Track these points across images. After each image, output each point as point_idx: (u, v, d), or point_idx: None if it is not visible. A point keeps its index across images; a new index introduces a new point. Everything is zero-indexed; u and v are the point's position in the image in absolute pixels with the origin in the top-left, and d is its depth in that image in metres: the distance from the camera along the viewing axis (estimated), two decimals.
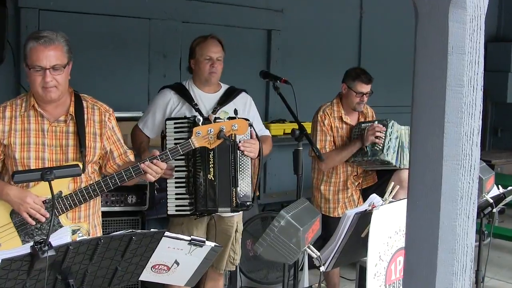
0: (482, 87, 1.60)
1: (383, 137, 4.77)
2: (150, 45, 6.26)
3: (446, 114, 1.57)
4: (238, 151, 3.87)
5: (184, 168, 3.92)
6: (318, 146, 4.85)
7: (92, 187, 3.24)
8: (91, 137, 3.36)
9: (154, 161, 3.30)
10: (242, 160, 3.89)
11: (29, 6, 5.44)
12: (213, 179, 3.85)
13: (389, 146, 4.79)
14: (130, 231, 2.54)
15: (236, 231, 4.28)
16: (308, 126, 5.60)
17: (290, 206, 2.70)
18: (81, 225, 3.28)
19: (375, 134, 4.75)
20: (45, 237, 2.29)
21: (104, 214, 4.66)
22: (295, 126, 3.94)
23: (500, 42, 9.92)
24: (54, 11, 5.58)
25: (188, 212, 3.93)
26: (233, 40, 6.79)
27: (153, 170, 3.30)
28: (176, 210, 3.95)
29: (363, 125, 4.93)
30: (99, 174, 3.50)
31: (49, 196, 3.16)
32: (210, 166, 3.84)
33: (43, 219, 3.17)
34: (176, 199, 3.94)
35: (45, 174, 2.61)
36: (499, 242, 7.22)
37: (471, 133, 1.60)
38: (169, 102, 4.13)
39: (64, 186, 3.20)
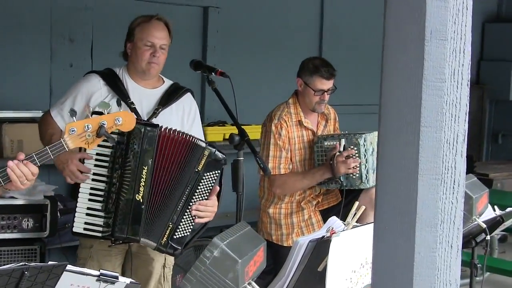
0: (469, 82, 1.60)
1: (358, 163, 4.81)
2: (52, 26, 6.17)
3: (423, 116, 1.56)
4: (197, 185, 3.85)
5: (104, 178, 3.84)
6: (270, 165, 4.84)
7: None
8: None
9: (24, 161, 3.16)
10: (197, 197, 3.86)
11: None
12: (141, 201, 3.79)
13: (367, 170, 4.82)
14: (22, 264, 2.48)
15: (164, 266, 4.20)
16: (253, 130, 5.64)
17: (226, 232, 2.66)
18: None
19: (347, 166, 4.78)
20: None
21: None
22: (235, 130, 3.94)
23: (501, 23, 9.67)
24: None
25: (99, 234, 3.86)
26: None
27: (21, 172, 3.14)
28: (85, 229, 3.85)
29: (325, 143, 4.91)
30: None
31: None
32: (141, 183, 3.79)
33: None
34: (87, 214, 3.85)
35: None
36: (498, 279, 7.01)
37: (454, 140, 1.60)
38: (95, 93, 4.02)
39: None
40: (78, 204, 3.86)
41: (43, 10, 6.12)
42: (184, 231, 3.88)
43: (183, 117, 4.14)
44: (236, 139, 3.82)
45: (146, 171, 3.78)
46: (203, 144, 3.85)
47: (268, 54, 7.57)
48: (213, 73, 4.11)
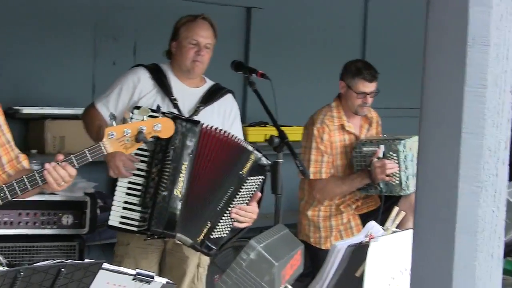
0: None
1: (398, 170, 4.76)
2: (97, 25, 6.23)
3: (464, 122, 1.53)
4: (240, 188, 3.85)
5: (143, 173, 3.85)
6: (312, 169, 4.82)
7: None
8: None
9: (63, 163, 3.16)
10: (238, 200, 3.86)
11: None
12: (179, 196, 3.79)
13: (407, 176, 4.77)
14: (59, 261, 2.49)
15: (199, 265, 4.20)
16: (294, 131, 5.61)
17: (263, 235, 2.64)
18: None
19: (384, 172, 4.74)
20: None
21: (32, 238, 4.72)
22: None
23: None
24: None
25: (135, 228, 3.86)
26: None
27: (58, 175, 3.13)
28: (121, 222, 3.86)
29: (364, 148, 4.87)
30: None
31: None
32: (180, 179, 3.79)
33: None
34: (124, 208, 3.86)
35: None
36: None
37: (496, 147, 1.57)
38: (139, 85, 4.06)
39: None
40: (115, 198, 3.88)
41: (87, 9, 6.17)
42: (222, 232, 3.87)
43: (224, 117, 4.15)
44: (275, 141, 3.81)
45: (185, 166, 3.79)
46: (250, 148, 3.87)
47: (311, 55, 7.52)
48: (253, 74, 4.09)
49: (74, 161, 3.18)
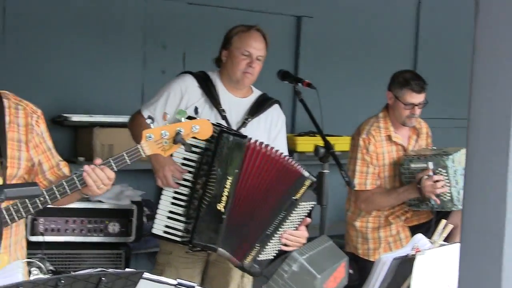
0: None
1: (448, 185, 4.67)
2: (146, 32, 6.24)
3: None
4: (291, 213, 3.80)
5: (189, 184, 3.82)
6: (357, 180, 4.76)
7: (15, 207, 3.08)
8: (14, 144, 3.23)
9: (101, 166, 3.12)
10: (288, 227, 3.81)
11: None
12: (222, 211, 3.74)
13: (458, 191, 4.68)
14: (99, 270, 2.46)
15: (243, 276, 4.15)
16: (344, 141, 5.55)
17: (306, 246, 2.61)
18: (0, 257, 3.13)
19: (435, 191, 4.66)
20: None
21: (79, 245, 4.74)
22: (331, 141, 3.89)
23: None
24: None
25: (178, 239, 3.83)
26: None
27: (97, 177, 3.09)
28: (164, 232, 3.84)
29: (412, 165, 4.75)
30: None
31: None
32: (224, 193, 3.73)
33: None
34: (169, 218, 3.83)
35: None
36: None
37: None
38: (186, 93, 4.03)
39: None
40: (159, 206, 3.85)
41: (137, 17, 6.20)
42: (269, 255, 3.82)
43: (270, 128, 4.12)
44: (321, 151, 3.75)
45: (230, 181, 3.73)
46: (306, 174, 3.80)
47: (361, 64, 7.46)
48: (299, 84, 4.04)
49: (113, 164, 3.15)
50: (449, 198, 4.69)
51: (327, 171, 3.71)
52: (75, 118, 5.68)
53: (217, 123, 3.80)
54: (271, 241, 3.80)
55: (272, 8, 6.91)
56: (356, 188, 4.71)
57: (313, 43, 7.18)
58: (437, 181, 4.65)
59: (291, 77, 4.13)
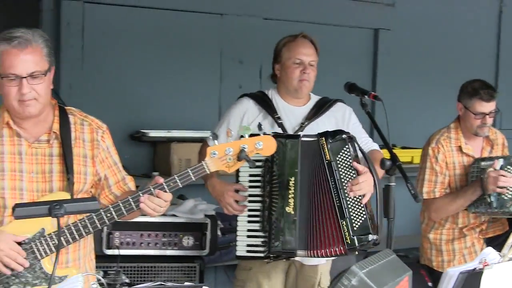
0: None
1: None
2: (223, 48, 6.27)
3: None
4: (337, 172, 3.73)
5: (259, 198, 3.80)
6: (425, 189, 4.66)
7: (83, 222, 3.08)
8: (80, 160, 3.24)
9: (156, 191, 3.12)
10: (345, 182, 3.72)
11: None
12: (292, 212, 3.72)
13: None
14: (159, 284, 2.45)
15: (319, 285, 4.10)
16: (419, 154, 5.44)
17: (367, 260, 2.52)
18: (69, 271, 3.12)
19: (497, 183, 4.51)
20: None
21: (154, 258, 4.74)
22: (408, 153, 3.79)
23: None
24: (102, 4, 5.70)
25: (262, 254, 3.81)
26: (330, 43, 6.68)
27: (154, 204, 3.10)
28: (248, 251, 3.83)
29: (482, 163, 4.65)
30: None
31: (29, 235, 3.06)
32: (290, 195, 3.72)
33: (21, 269, 3.07)
34: (248, 236, 3.82)
35: (54, 209, 2.55)
36: None
37: None
38: (246, 114, 4.03)
39: (46, 222, 3.02)
40: (238, 228, 3.86)
41: (214, 33, 6.23)
42: (360, 218, 3.72)
43: (337, 125, 4.02)
44: (387, 164, 3.65)
45: (293, 182, 3.72)
46: (314, 138, 3.74)
47: (441, 75, 7.33)
48: (366, 96, 3.96)
49: (178, 181, 3.13)
50: (510, 197, 4.53)
51: (394, 184, 3.62)
52: (153, 133, 5.74)
53: (273, 132, 3.77)
54: (348, 207, 3.71)
55: (349, 22, 6.88)
56: (424, 197, 4.62)
57: (390, 55, 7.10)
58: (502, 175, 4.51)
59: (358, 90, 4.03)
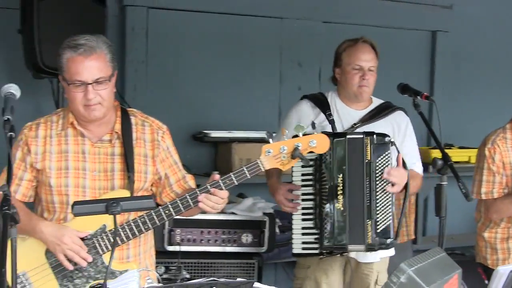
0: None
1: None
2: (282, 51, 6.25)
3: None
4: (373, 173, 3.72)
5: (311, 196, 3.82)
6: (483, 189, 4.56)
7: (142, 219, 3.13)
8: (141, 159, 3.28)
9: (212, 189, 3.15)
10: (380, 185, 3.72)
11: (136, 4, 5.63)
12: (342, 208, 3.71)
13: None
14: (211, 280, 2.46)
15: (376, 283, 4.06)
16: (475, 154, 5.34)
17: (416, 258, 2.49)
18: (129, 265, 3.17)
19: None
20: (100, 281, 2.24)
21: (214, 255, 4.77)
22: (465, 153, 3.72)
23: None
24: (165, 9, 5.75)
25: (317, 251, 3.82)
26: (387, 45, 6.59)
27: (212, 202, 3.14)
28: (303, 249, 3.84)
29: None
30: None
31: (91, 231, 3.11)
32: (339, 192, 3.72)
33: (84, 264, 3.12)
34: (303, 234, 3.84)
35: (111, 206, 2.57)
36: None
37: None
38: (303, 115, 4.01)
39: (108, 218, 3.05)
40: (293, 226, 3.88)
41: (274, 37, 6.22)
42: (385, 221, 3.72)
43: (393, 134, 3.97)
44: (439, 163, 3.61)
45: (341, 179, 3.72)
46: (360, 135, 3.73)
47: (498, 77, 7.19)
48: (418, 97, 3.89)
49: (234, 178, 3.18)
50: None
51: (445, 183, 3.56)
52: (215, 134, 5.76)
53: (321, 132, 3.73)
54: (376, 209, 3.71)
55: (407, 24, 6.79)
56: (483, 198, 4.52)
57: (448, 57, 6.98)
58: None
59: (411, 90, 3.98)
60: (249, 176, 3.20)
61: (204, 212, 3.27)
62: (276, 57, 6.22)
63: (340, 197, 3.71)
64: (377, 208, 3.71)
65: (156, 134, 3.33)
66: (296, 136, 3.22)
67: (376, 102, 4.10)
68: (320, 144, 3.24)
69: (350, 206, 3.71)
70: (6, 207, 2.35)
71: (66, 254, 3.08)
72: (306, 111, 4.02)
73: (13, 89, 2.80)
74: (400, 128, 4.05)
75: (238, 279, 2.50)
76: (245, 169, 3.19)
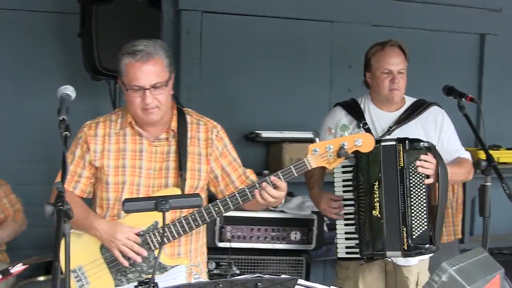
0: None
1: None
2: (333, 54, 6.23)
3: None
4: (407, 179, 3.65)
5: (352, 202, 3.79)
6: None
7: (193, 216, 3.16)
8: (194, 157, 3.29)
9: (271, 178, 3.16)
10: (414, 191, 3.66)
11: (191, 8, 5.67)
12: (379, 216, 3.67)
13: None
14: (256, 276, 2.46)
15: (417, 284, 3.99)
16: None
17: (458, 258, 2.44)
18: (180, 261, 3.19)
19: None
20: (149, 276, 2.25)
21: (263, 251, 4.77)
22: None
23: None
24: (218, 13, 5.79)
25: (358, 255, 3.79)
26: (436, 48, 6.56)
27: (269, 195, 3.15)
28: (347, 253, 3.83)
29: None
30: (206, 202, 3.37)
31: (144, 228, 3.15)
32: (375, 199, 3.67)
33: (139, 259, 3.14)
34: (346, 239, 3.82)
35: (160, 204, 2.59)
36: None
37: None
38: (337, 122, 3.96)
39: (159, 215, 3.08)
40: (337, 231, 3.87)
41: (325, 40, 6.20)
42: (420, 227, 3.65)
43: (429, 129, 3.93)
44: (482, 165, 3.54)
45: (377, 186, 3.67)
46: (393, 142, 3.66)
47: None
48: (463, 99, 3.82)
49: (281, 176, 3.18)
50: None
51: (489, 183, 3.50)
52: (266, 134, 5.77)
53: None
54: (412, 214, 3.65)
55: (455, 27, 6.71)
56: None
57: (497, 60, 6.86)
58: None
59: (455, 92, 3.91)
60: (296, 174, 3.21)
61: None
62: (327, 60, 6.21)
63: (377, 204, 3.67)
64: (412, 214, 3.65)
65: (210, 133, 3.34)
66: (342, 135, 3.23)
67: (409, 101, 4.02)
68: (365, 143, 3.23)
69: (387, 213, 3.66)
70: (60, 204, 2.38)
71: (121, 250, 3.11)
72: (341, 118, 3.98)
73: (69, 90, 2.84)
74: (436, 123, 3.96)
75: (283, 276, 2.49)
76: (292, 167, 3.20)
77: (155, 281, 2.25)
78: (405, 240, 3.64)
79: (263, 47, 5.96)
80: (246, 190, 3.17)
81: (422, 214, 3.65)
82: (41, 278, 4.46)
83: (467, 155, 4.04)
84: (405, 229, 3.64)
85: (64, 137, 2.62)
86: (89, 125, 3.32)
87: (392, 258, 3.86)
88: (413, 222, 3.64)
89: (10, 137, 5.41)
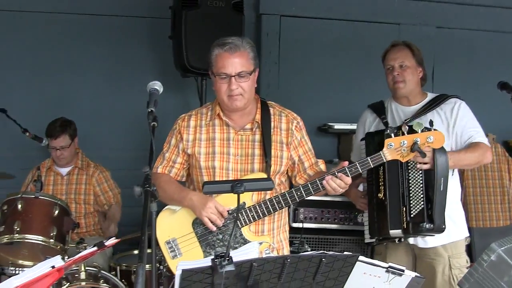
0: None
1: None
2: None
3: None
4: (409, 172, 3.63)
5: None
6: None
7: (277, 199, 3.22)
8: (277, 146, 3.33)
9: (339, 175, 3.17)
10: (412, 174, 3.62)
11: (270, 13, 5.72)
12: (383, 198, 3.66)
13: None
14: (321, 252, 2.45)
15: (451, 267, 3.85)
16: None
17: (507, 239, 2.40)
18: (263, 238, 3.26)
19: None
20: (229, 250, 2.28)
21: (332, 231, 4.80)
22: None
23: None
24: (295, 17, 5.82)
25: (373, 240, 3.79)
26: (496, 49, 6.39)
27: (336, 185, 3.17)
28: (370, 237, 3.81)
29: None
30: (286, 186, 3.45)
31: (232, 207, 3.20)
32: (380, 183, 3.68)
33: (220, 223, 3.20)
34: (366, 225, 3.85)
35: (235, 186, 2.62)
36: None
37: None
38: (366, 122, 4.06)
39: (247, 197, 3.21)
40: (363, 219, 3.89)
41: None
42: (417, 206, 3.59)
43: (446, 119, 3.84)
44: None
45: (381, 170, 3.67)
46: (394, 130, 3.59)
47: None
48: None
49: (359, 167, 3.22)
50: None
51: None
52: (338, 126, 5.79)
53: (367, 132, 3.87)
54: (408, 196, 3.61)
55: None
56: None
57: None
58: None
59: (509, 87, 3.82)
60: (372, 166, 3.26)
61: (327, 194, 3.31)
62: None
63: (382, 187, 3.67)
64: (410, 195, 3.61)
65: (291, 124, 3.40)
66: (413, 132, 3.28)
67: (430, 96, 3.96)
68: (436, 140, 3.27)
69: (390, 195, 3.64)
70: (147, 185, 2.44)
71: (209, 217, 3.18)
72: (368, 118, 4.04)
73: (157, 85, 2.88)
74: (452, 113, 3.85)
75: (345, 253, 2.48)
76: (369, 159, 3.25)
77: (231, 255, 2.27)
78: (404, 219, 3.61)
79: (335, 47, 5.97)
80: (318, 182, 3.22)
81: (419, 195, 3.59)
82: (135, 252, 4.58)
83: (482, 139, 3.85)
84: (404, 208, 3.61)
85: (152, 127, 2.67)
86: (182, 118, 3.43)
87: (411, 240, 3.79)
88: (411, 202, 3.60)
89: (110, 128, 5.55)
